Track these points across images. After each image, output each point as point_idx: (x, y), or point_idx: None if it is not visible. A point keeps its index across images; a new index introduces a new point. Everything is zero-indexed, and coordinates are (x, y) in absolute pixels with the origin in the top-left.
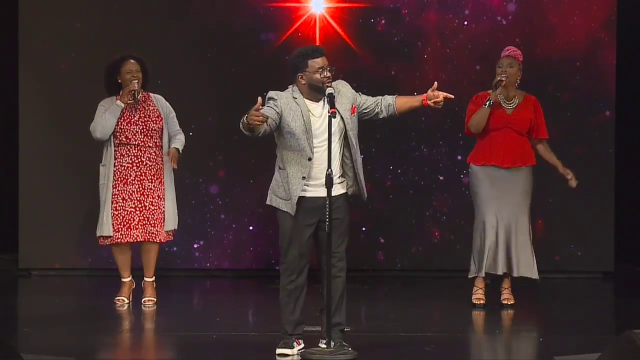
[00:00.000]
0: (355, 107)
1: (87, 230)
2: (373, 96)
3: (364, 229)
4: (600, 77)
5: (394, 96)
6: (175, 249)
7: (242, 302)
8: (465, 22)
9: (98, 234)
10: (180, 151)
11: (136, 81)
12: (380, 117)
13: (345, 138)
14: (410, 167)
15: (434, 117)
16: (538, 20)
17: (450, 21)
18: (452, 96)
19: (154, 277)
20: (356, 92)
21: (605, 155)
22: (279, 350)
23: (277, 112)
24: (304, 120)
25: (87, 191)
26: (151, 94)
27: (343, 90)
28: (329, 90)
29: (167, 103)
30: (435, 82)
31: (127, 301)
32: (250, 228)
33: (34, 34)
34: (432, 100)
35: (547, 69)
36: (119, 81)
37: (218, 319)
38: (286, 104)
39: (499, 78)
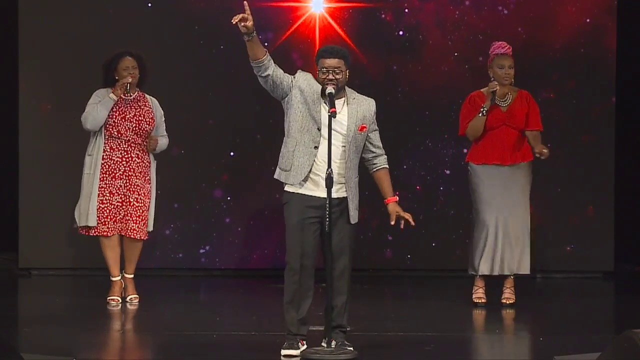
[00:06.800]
0: (365, 127)
1: None
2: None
3: (371, 226)
4: (604, 64)
5: (381, 167)
6: (180, 255)
7: (243, 302)
8: (466, 14)
9: (81, 224)
10: (157, 149)
11: (129, 79)
12: (364, 161)
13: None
14: (416, 162)
15: (438, 111)
16: (539, 9)
17: (451, 13)
18: (413, 223)
19: (133, 274)
20: (376, 122)
21: (607, 155)
22: (284, 352)
23: (288, 83)
24: (314, 103)
25: None
26: (146, 95)
27: (363, 108)
28: (328, 90)
29: (160, 107)
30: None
31: (120, 300)
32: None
33: (34, 34)
34: (394, 215)
35: (550, 58)
36: (116, 77)
37: (218, 319)
38: (306, 83)
39: (495, 88)
